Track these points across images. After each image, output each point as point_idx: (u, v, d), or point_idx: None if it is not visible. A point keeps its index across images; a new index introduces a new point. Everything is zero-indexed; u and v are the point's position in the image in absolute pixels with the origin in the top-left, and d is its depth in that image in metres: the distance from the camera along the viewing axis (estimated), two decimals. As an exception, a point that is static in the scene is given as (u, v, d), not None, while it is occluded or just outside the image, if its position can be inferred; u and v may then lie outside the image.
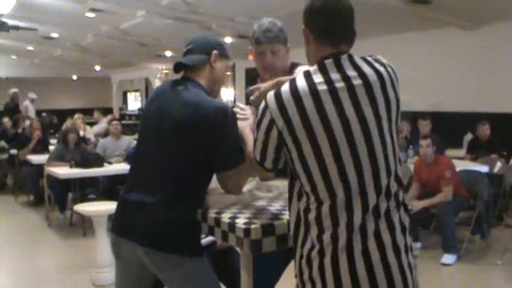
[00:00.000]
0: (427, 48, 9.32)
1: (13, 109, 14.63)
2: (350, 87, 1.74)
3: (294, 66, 2.51)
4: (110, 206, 4.72)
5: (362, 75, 1.76)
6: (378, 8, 7.68)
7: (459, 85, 8.87)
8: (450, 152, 7.22)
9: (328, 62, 1.78)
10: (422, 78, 9.33)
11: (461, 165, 6.11)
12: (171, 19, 9.16)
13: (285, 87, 1.78)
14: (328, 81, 1.75)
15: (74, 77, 20.35)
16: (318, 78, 1.76)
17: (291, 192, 1.88)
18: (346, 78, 1.75)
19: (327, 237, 1.71)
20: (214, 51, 2.37)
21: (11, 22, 10.69)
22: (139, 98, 20.92)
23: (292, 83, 1.78)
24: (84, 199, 6.87)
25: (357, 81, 1.75)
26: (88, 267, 5.06)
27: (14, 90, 15.39)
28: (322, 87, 1.74)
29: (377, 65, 1.80)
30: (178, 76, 2.43)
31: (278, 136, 1.78)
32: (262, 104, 1.84)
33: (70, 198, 7.47)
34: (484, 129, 7.24)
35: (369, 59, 1.83)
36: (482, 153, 7.14)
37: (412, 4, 7.44)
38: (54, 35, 12.03)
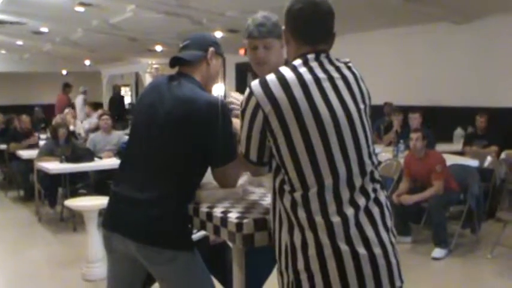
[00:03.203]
0: (418, 43, 9.33)
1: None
2: (331, 78, 1.88)
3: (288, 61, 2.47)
4: (101, 201, 4.70)
5: (339, 70, 1.92)
6: (371, 3, 7.68)
7: (451, 80, 8.90)
8: (441, 147, 7.25)
9: (311, 57, 1.91)
10: (414, 73, 9.35)
11: (451, 160, 6.13)
12: (161, 13, 9.11)
13: (271, 77, 1.87)
14: (313, 72, 1.87)
15: (64, 72, 20.20)
16: (302, 69, 1.88)
17: (273, 188, 1.92)
18: (326, 71, 1.89)
19: (319, 219, 1.76)
20: (211, 49, 2.39)
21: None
22: (130, 93, 20.87)
23: (278, 73, 1.87)
24: (74, 194, 6.84)
25: (335, 75, 1.90)
26: (79, 262, 5.05)
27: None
28: (307, 76, 1.85)
29: (347, 65, 1.97)
30: (169, 71, 2.42)
31: (263, 120, 1.85)
32: (247, 92, 1.90)
33: (60, 193, 7.43)
34: (480, 121, 7.35)
35: (341, 60, 1.98)
36: (479, 143, 7.25)
37: (404, -1, 7.45)
38: (44, 29, 11.93)
